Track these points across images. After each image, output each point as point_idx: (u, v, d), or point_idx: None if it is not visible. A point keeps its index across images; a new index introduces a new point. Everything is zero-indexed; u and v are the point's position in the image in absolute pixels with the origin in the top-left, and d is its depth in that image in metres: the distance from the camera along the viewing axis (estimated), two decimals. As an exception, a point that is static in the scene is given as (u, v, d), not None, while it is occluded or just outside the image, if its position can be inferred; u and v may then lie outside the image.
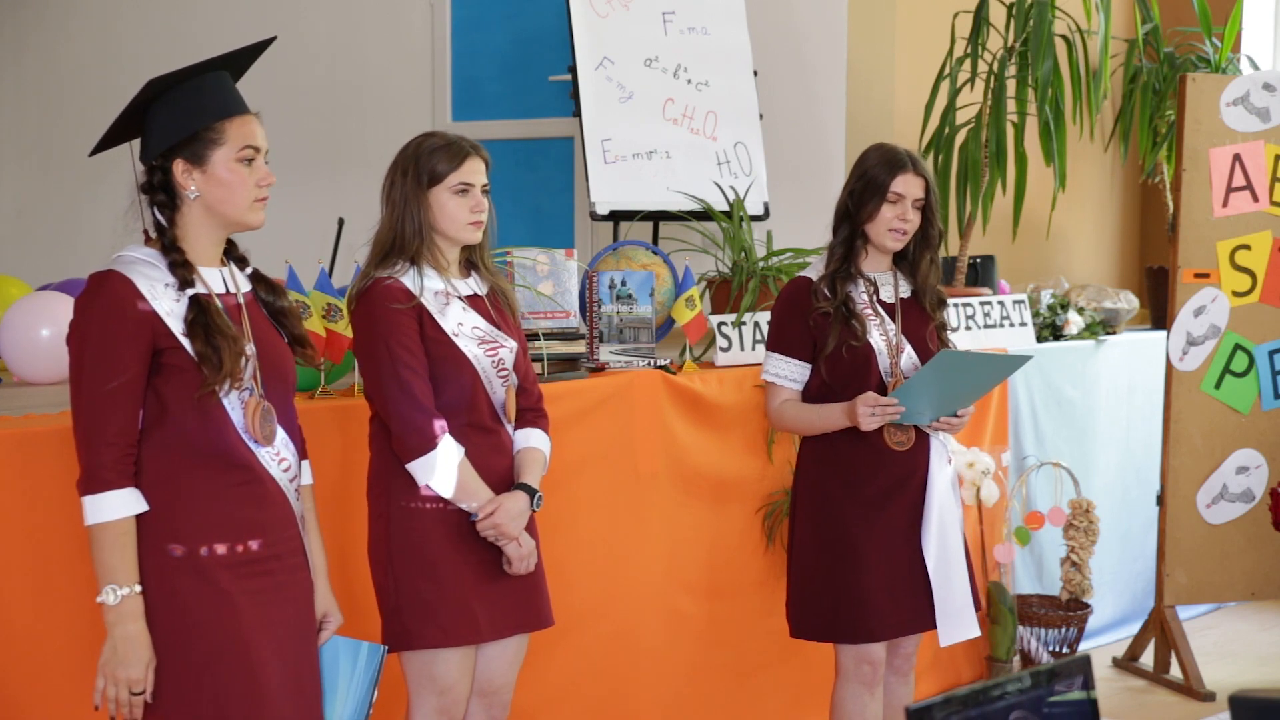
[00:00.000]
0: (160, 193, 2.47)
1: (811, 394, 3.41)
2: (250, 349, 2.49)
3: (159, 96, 2.48)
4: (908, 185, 3.36)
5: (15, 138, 7.71)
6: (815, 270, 3.46)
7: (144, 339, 2.38)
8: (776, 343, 3.44)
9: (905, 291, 3.47)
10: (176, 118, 2.46)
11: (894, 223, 3.36)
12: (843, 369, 3.35)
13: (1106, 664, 5.14)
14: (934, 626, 3.40)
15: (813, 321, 3.37)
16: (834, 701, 3.48)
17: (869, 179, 3.37)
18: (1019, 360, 3.49)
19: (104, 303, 2.39)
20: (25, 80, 7.66)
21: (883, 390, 3.35)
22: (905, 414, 3.30)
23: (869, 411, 3.27)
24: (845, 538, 3.36)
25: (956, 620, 3.40)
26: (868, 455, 3.36)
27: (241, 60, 2.57)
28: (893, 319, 3.42)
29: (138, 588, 2.37)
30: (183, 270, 2.44)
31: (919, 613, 3.39)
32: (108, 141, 2.57)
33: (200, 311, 2.42)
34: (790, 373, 3.41)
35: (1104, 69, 5.60)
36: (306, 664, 2.58)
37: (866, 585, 3.34)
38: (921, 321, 3.46)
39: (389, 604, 2.93)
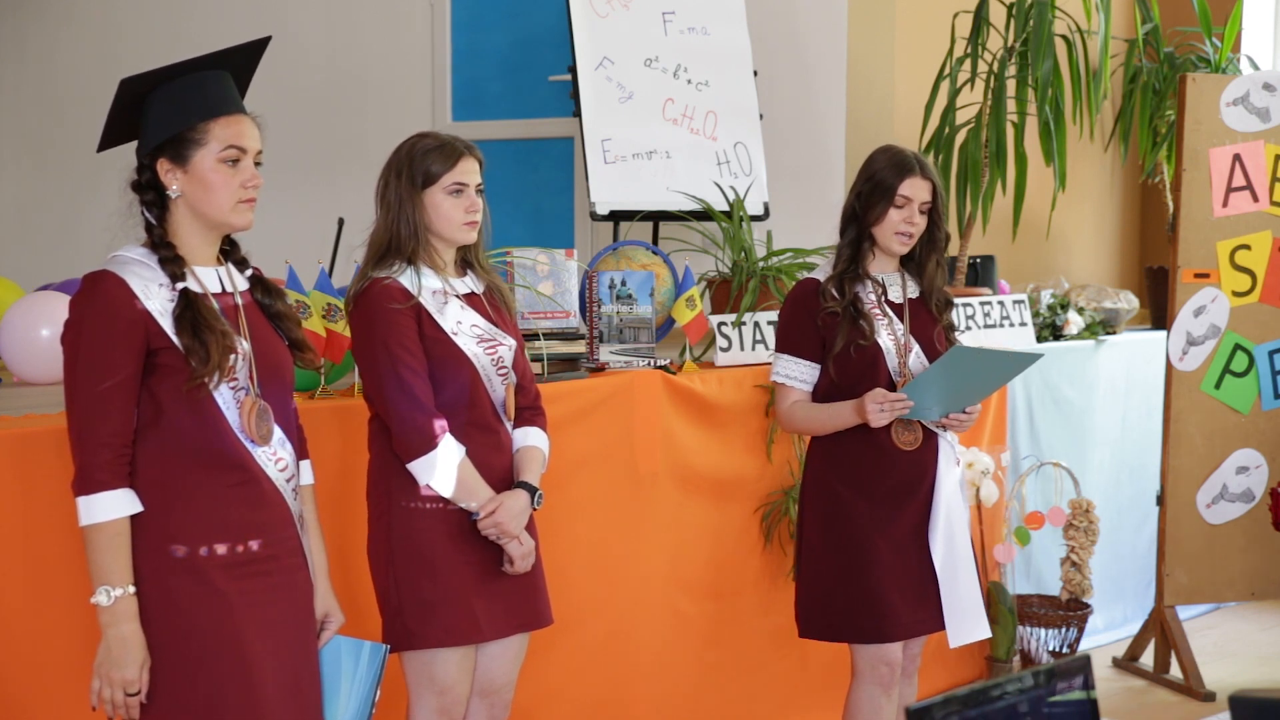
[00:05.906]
0: (150, 191, 2.48)
1: (820, 394, 3.40)
2: (245, 347, 2.49)
3: (150, 94, 2.48)
4: (915, 189, 3.34)
5: (15, 138, 7.71)
6: (823, 271, 3.45)
7: (138, 339, 2.38)
8: (785, 344, 3.43)
9: (913, 292, 3.46)
10: (162, 117, 2.46)
11: (900, 226, 3.35)
12: (851, 369, 3.34)
13: (1106, 664, 5.14)
14: (945, 627, 3.40)
15: (821, 322, 3.36)
16: (849, 703, 3.47)
17: (876, 182, 3.36)
18: (1030, 358, 3.47)
19: (98, 303, 2.38)
20: (25, 80, 7.65)
21: (891, 390, 3.33)
22: (914, 409, 3.29)
23: (878, 407, 3.26)
24: (856, 538, 3.35)
25: (964, 621, 3.39)
26: (876, 455, 3.35)
27: (235, 59, 2.55)
28: (900, 319, 3.42)
29: (131, 589, 2.36)
30: (173, 265, 2.44)
31: (931, 613, 3.38)
32: (108, 139, 2.57)
33: (188, 305, 2.42)
34: (800, 373, 3.40)
35: (1104, 69, 5.59)
36: (305, 664, 2.58)
37: (880, 585, 3.32)
38: (929, 321, 3.45)
39: (390, 605, 2.93)
